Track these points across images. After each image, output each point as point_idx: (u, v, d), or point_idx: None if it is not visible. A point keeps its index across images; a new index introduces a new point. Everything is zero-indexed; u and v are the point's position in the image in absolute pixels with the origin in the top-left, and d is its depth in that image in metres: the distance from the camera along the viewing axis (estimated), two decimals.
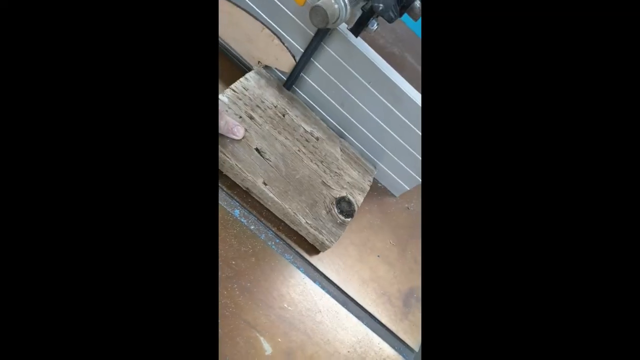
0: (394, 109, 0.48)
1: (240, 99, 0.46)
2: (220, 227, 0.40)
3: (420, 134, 0.49)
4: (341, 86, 0.49)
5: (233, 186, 0.43)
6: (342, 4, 0.37)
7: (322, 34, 0.45)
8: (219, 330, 0.35)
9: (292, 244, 0.44)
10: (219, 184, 0.43)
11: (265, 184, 0.42)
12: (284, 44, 0.48)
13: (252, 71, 0.50)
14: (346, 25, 0.46)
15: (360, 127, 0.52)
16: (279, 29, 0.48)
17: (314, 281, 0.43)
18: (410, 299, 0.49)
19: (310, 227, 0.43)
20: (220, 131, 0.41)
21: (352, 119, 0.52)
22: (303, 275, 0.43)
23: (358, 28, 0.42)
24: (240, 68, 0.54)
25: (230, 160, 0.41)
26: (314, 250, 0.45)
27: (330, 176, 0.48)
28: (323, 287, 0.44)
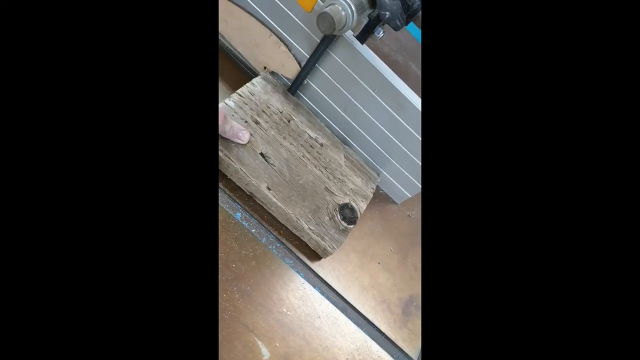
0: (397, 117, 0.48)
1: (246, 104, 0.46)
2: (221, 229, 0.40)
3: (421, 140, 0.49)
4: (345, 92, 0.50)
5: (235, 189, 0.44)
6: (349, 11, 0.38)
7: (328, 40, 0.45)
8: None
9: (293, 249, 0.44)
10: (222, 187, 0.43)
11: (269, 189, 0.42)
12: (290, 51, 0.49)
13: (259, 76, 0.50)
14: (352, 32, 0.46)
15: (363, 133, 0.52)
16: (285, 35, 0.48)
17: (314, 286, 0.43)
18: (410, 307, 0.49)
19: (313, 233, 0.43)
20: (225, 135, 0.41)
21: (355, 125, 0.52)
22: (303, 280, 0.43)
23: (364, 35, 0.43)
24: (246, 72, 0.54)
25: (234, 165, 0.41)
26: (314, 255, 0.45)
27: (334, 182, 0.48)
28: (323, 293, 0.43)
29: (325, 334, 0.41)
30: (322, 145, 0.50)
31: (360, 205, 0.48)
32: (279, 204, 0.42)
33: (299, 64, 0.49)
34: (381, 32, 0.42)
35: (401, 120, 0.48)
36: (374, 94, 0.48)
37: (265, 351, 0.37)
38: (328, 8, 0.38)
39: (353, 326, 0.43)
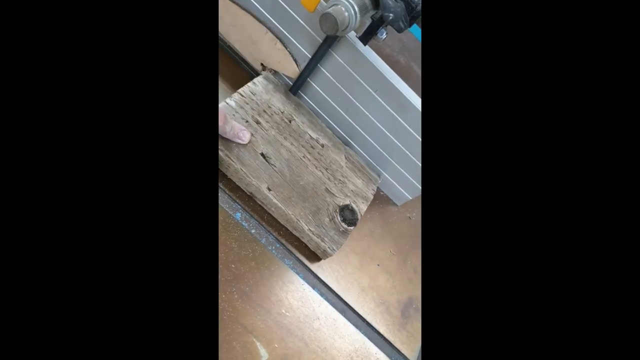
0: (398, 118, 0.48)
1: (247, 104, 0.46)
2: (221, 229, 0.40)
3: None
4: (347, 93, 0.49)
5: (235, 189, 0.43)
6: (352, 12, 0.38)
7: (330, 41, 0.45)
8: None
9: (293, 250, 0.44)
10: (222, 187, 0.43)
11: (269, 189, 0.42)
12: (286, 48, 0.48)
13: (260, 76, 0.50)
14: (355, 33, 0.46)
15: (364, 134, 0.52)
16: (287, 35, 0.48)
17: (313, 288, 0.43)
18: (409, 310, 0.49)
19: (313, 234, 0.43)
20: (226, 135, 0.41)
21: (356, 126, 0.52)
22: (302, 282, 0.43)
23: (367, 36, 0.42)
24: (247, 71, 0.54)
25: (235, 165, 0.41)
26: (314, 256, 0.45)
27: (335, 184, 0.48)
28: (322, 294, 0.43)
29: (324, 336, 0.41)
30: (323, 146, 0.50)
31: (361, 207, 0.48)
32: (279, 204, 0.42)
33: (296, 61, 0.49)
34: (384, 34, 0.42)
35: (402, 122, 0.48)
36: (376, 95, 0.48)
37: (263, 352, 0.37)
38: (331, 9, 0.38)
39: (352, 328, 0.43)
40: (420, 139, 0.49)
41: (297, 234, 0.44)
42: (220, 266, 0.38)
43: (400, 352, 0.46)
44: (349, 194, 0.48)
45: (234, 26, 0.49)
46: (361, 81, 0.47)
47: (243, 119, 0.45)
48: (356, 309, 0.45)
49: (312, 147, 0.49)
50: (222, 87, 0.50)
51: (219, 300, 0.37)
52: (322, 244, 0.43)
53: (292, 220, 0.42)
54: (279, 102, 0.49)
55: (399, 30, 0.37)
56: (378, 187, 0.57)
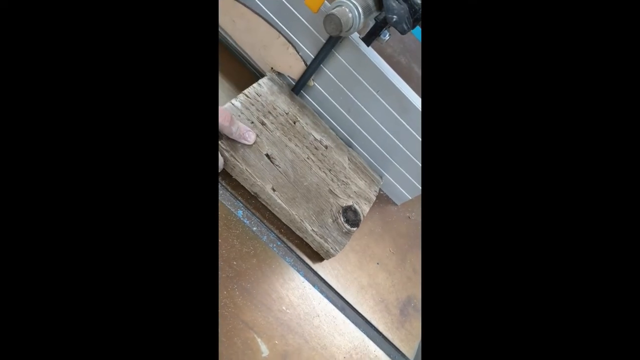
0: (400, 119, 0.49)
1: (252, 105, 0.47)
2: (223, 227, 0.41)
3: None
4: (349, 93, 0.50)
5: (237, 187, 0.44)
6: (356, 13, 0.38)
7: (333, 42, 0.45)
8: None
9: (294, 247, 0.44)
10: (224, 185, 0.43)
11: (273, 190, 0.43)
12: (298, 52, 0.49)
13: (266, 77, 0.50)
14: (358, 34, 0.46)
15: (366, 135, 0.53)
16: (291, 34, 0.48)
17: (313, 285, 0.43)
18: (408, 308, 0.50)
19: (316, 234, 0.43)
20: (232, 136, 0.42)
21: (358, 127, 0.52)
22: (303, 279, 0.43)
23: (370, 37, 0.43)
24: (251, 71, 0.54)
25: (240, 165, 0.42)
26: (314, 254, 0.46)
27: (338, 185, 0.48)
28: (322, 292, 0.44)
29: (324, 333, 0.41)
30: (326, 147, 0.51)
31: (363, 208, 0.49)
32: (283, 205, 0.42)
33: (307, 66, 0.50)
34: (387, 35, 0.42)
35: (403, 122, 0.49)
36: (377, 96, 0.48)
37: (264, 348, 0.37)
38: (335, 10, 0.38)
39: (351, 325, 0.44)
40: (420, 139, 0.49)
41: (300, 235, 0.44)
42: (222, 263, 0.39)
43: (399, 350, 0.46)
44: (352, 195, 0.49)
45: (246, 30, 0.49)
46: (363, 82, 0.48)
47: (248, 119, 0.45)
48: (356, 307, 0.45)
49: (316, 148, 0.49)
50: (228, 87, 0.50)
51: (221, 297, 0.37)
52: (325, 244, 0.43)
53: (296, 220, 0.43)
54: (283, 103, 0.50)
55: (402, 32, 0.38)
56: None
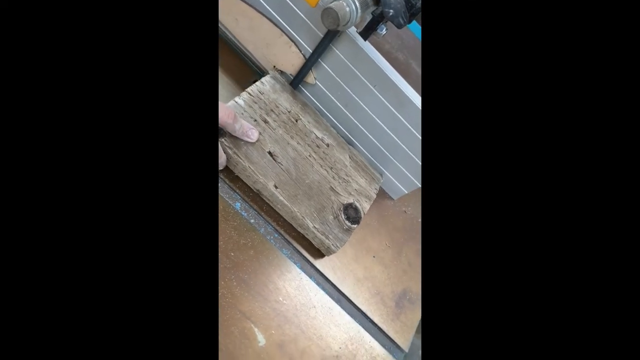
0: (397, 113, 0.49)
1: (255, 103, 0.47)
2: (221, 218, 0.41)
3: (421, 138, 0.50)
4: (346, 88, 0.50)
5: (235, 179, 0.44)
6: (354, 7, 0.38)
7: (331, 36, 0.45)
8: None
9: (291, 240, 0.45)
10: (222, 177, 0.44)
11: (276, 187, 0.43)
12: (301, 51, 0.49)
13: (268, 75, 0.51)
14: (355, 29, 0.47)
15: (363, 129, 0.53)
16: (289, 28, 0.48)
17: (310, 277, 0.44)
18: (403, 300, 0.50)
19: (318, 231, 0.44)
20: (235, 134, 0.42)
21: (355, 121, 0.53)
22: (299, 271, 0.44)
23: (367, 32, 0.43)
24: (253, 69, 0.54)
25: (243, 162, 0.42)
26: (311, 247, 0.46)
27: (339, 182, 0.49)
28: (318, 284, 0.44)
29: (320, 323, 0.42)
30: (328, 145, 0.51)
31: (364, 206, 0.50)
32: (285, 202, 0.43)
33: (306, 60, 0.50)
34: (384, 29, 0.43)
35: (400, 117, 0.49)
36: (375, 90, 0.48)
37: (261, 338, 0.38)
38: (333, 4, 0.39)
39: (347, 317, 0.44)
40: (417, 135, 0.50)
41: (302, 231, 0.45)
42: (219, 254, 0.39)
43: (394, 341, 0.47)
44: (352, 193, 0.49)
45: (249, 29, 0.50)
46: (361, 76, 0.48)
47: (251, 117, 0.46)
48: (351, 298, 0.46)
49: (317, 146, 0.50)
50: (231, 86, 0.51)
51: (219, 288, 0.38)
52: (327, 241, 0.44)
53: (298, 217, 0.44)
54: (286, 101, 0.50)
55: (399, 26, 0.38)
56: None
